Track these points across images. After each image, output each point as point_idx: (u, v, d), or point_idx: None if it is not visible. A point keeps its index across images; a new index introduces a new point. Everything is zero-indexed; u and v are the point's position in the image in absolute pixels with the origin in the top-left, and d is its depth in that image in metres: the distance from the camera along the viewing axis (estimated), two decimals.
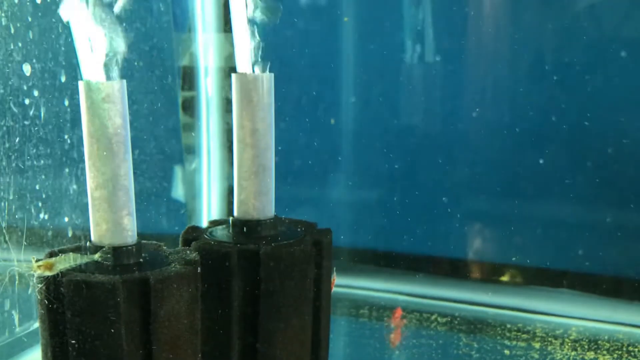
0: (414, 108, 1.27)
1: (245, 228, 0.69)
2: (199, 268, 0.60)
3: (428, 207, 1.26)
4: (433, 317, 1.10)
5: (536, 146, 1.19)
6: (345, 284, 1.21)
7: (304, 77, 1.30)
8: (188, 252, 0.62)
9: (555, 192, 1.19)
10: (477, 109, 1.24)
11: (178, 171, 1.19)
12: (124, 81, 0.57)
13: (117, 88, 0.56)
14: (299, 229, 0.73)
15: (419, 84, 1.26)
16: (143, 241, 0.61)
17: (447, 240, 1.26)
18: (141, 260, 0.59)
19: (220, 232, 0.71)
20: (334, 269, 0.74)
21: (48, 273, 0.54)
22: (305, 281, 0.67)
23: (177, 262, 0.59)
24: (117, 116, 0.56)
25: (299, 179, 1.31)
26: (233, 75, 0.68)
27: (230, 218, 0.70)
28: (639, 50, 1.11)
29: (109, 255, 0.57)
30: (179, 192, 1.18)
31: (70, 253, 0.57)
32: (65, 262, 0.55)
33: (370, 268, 1.27)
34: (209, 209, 1.25)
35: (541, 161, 1.19)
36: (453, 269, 1.24)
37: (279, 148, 1.37)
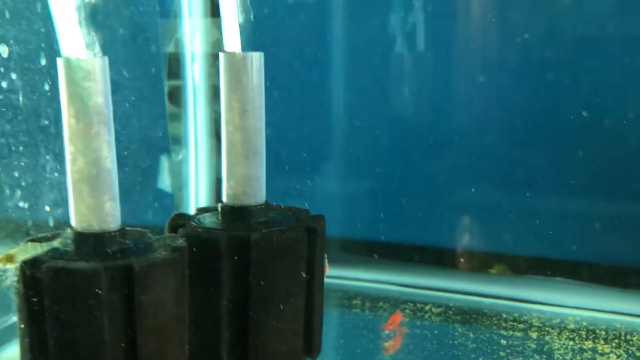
0: (406, 98, 1.25)
1: (235, 214, 0.66)
2: (185, 255, 0.57)
3: (422, 197, 1.24)
4: (427, 308, 1.08)
5: (529, 137, 1.18)
6: (337, 275, 1.19)
7: (293, 67, 1.27)
8: (174, 238, 0.59)
9: (550, 181, 1.17)
10: (469, 100, 1.22)
11: (164, 161, 1.16)
12: (106, 58, 0.54)
13: (98, 65, 0.53)
14: (291, 216, 0.70)
15: (410, 74, 1.24)
16: (127, 227, 0.58)
17: (441, 230, 1.24)
18: (125, 246, 0.56)
19: (209, 219, 0.68)
20: (326, 256, 0.72)
21: (10, 265, 0.51)
22: (297, 268, 0.65)
23: (163, 248, 0.56)
24: (99, 95, 0.53)
25: (290, 169, 1.29)
26: (221, 54, 0.65)
27: (220, 204, 0.67)
28: (627, 40, 1.10)
29: (69, 241, 0.54)
30: (165, 182, 1.15)
31: (29, 242, 0.54)
32: (24, 252, 0.52)
33: (363, 259, 1.24)
34: (196, 200, 1.22)
35: (534, 151, 1.18)
36: (447, 259, 1.22)
37: (269, 138, 1.37)
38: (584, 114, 1.13)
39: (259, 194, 0.67)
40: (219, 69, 0.66)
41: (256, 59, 0.65)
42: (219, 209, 0.67)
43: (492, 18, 1.18)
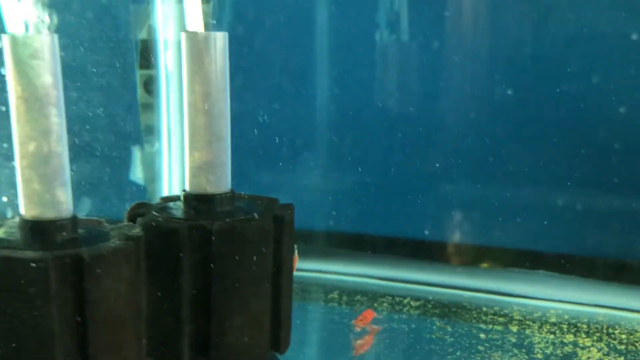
0: (391, 90, 1.23)
1: (198, 203, 0.63)
2: (142, 244, 0.54)
3: (401, 190, 1.22)
4: (406, 301, 1.05)
5: (513, 130, 1.16)
6: (315, 269, 1.16)
7: (277, 60, 1.25)
8: (131, 227, 0.56)
9: (531, 175, 1.16)
10: (456, 92, 1.20)
11: (137, 152, 1.13)
12: (56, 35, 0.50)
13: (47, 43, 0.50)
14: (258, 205, 0.67)
15: (396, 66, 1.22)
16: (81, 217, 0.55)
17: (422, 222, 1.21)
18: (77, 235, 0.53)
19: (171, 208, 0.65)
20: (296, 247, 0.69)
21: None
22: (263, 260, 0.62)
23: (117, 238, 0.53)
24: (48, 74, 0.50)
25: (274, 163, 1.26)
26: (182, 34, 0.62)
27: (182, 192, 0.64)
28: (617, 34, 1.09)
29: (16, 230, 0.51)
30: (137, 174, 1.11)
31: None
32: None
33: (342, 252, 1.22)
34: (170, 192, 1.19)
35: (518, 145, 1.16)
36: (428, 252, 1.20)
37: (254, 132, 1.35)
38: (570, 107, 1.12)
39: (223, 182, 0.64)
40: (181, 49, 0.63)
41: (220, 39, 0.62)
42: (182, 197, 0.64)
43: (482, 9, 1.17)
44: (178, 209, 0.64)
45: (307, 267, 1.17)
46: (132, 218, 0.62)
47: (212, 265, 0.59)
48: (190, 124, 0.63)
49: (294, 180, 1.26)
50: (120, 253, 0.51)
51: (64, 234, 0.52)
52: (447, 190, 1.20)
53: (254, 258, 0.61)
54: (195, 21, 0.63)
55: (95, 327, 0.50)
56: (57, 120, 0.51)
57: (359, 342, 0.89)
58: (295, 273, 1.09)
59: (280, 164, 1.27)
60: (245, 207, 0.66)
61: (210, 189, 0.63)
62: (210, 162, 0.63)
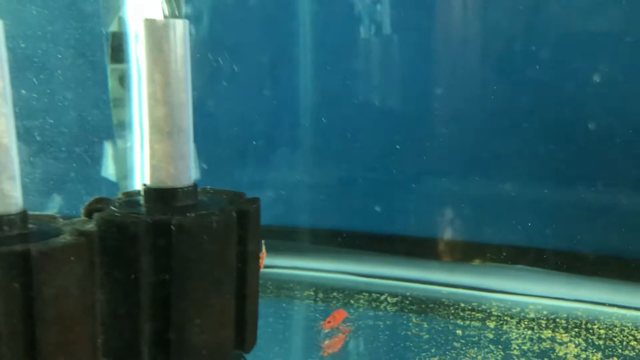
0: (376, 85, 1.22)
1: (158, 197, 0.61)
2: (95, 240, 0.52)
3: (382, 186, 1.20)
4: (383, 297, 1.03)
5: (496, 126, 1.15)
6: (292, 265, 1.15)
7: (260, 52, 1.23)
8: (85, 222, 0.54)
9: (512, 170, 1.14)
10: (441, 87, 1.19)
11: (108, 148, 1.10)
12: (0, 21, 0.48)
13: None
14: (223, 199, 0.65)
15: (379, 59, 1.20)
16: (32, 212, 0.53)
17: (400, 219, 1.20)
18: (26, 231, 0.50)
19: (131, 203, 0.63)
20: (264, 243, 0.67)
21: None
22: (226, 256, 0.59)
23: (69, 233, 0.51)
24: None
25: (257, 159, 1.24)
26: (141, 22, 0.60)
27: (142, 186, 0.62)
28: (603, 32, 1.07)
29: None
30: (109, 170, 1.09)
31: None
32: None
33: (319, 248, 1.20)
34: None
35: (498, 140, 1.15)
36: (406, 248, 1.18)
37: (234, 128, 1.33)
38: (557, 106, 1.11)
39: (184, 175, 0.61)
40: (140, 37, 0.60)
41: (180, 26, 0.59)
42: (142, 191, 0.62)
43: (469, 8, 1.15)
44: (138, 204, 0.62)
45: (283, 264, 1.15)
46: (89, 213, 0.59)
47: (171, 262, 0.57)
48: (150, 115, 0.61)
49: (275, 177, 1.24)
50: (71, 249, 0.49)
51: (12, 229, 0.49)
52: (427, 186, 1.18)
53: (217, 254, 0.58)
54: (154, 7, 0.60)
55: (44, 326, 0.47)
56: (3, 110, 0.48)
57: (327, 342, 0.86)
58: (270, 270, 1.08)
59: (261, 160, 1.25)
60: (208, 201, 0.64)
61: (171, 183, 0.61)
62: (171, 155, 0.61)
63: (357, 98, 1.22)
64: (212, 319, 0.59)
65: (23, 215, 0.50)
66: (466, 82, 1.18)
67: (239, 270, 0.62)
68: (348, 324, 0.92)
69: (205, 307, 0.58)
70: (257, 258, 0.65)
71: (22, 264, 0.47)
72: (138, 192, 0.66)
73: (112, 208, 0.60)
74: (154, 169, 0.61)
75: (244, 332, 0.63)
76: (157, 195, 0.61)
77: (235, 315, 0.62)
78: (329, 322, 0.89)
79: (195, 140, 1.28)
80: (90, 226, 0.53)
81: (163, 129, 0.61)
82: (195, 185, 0.63)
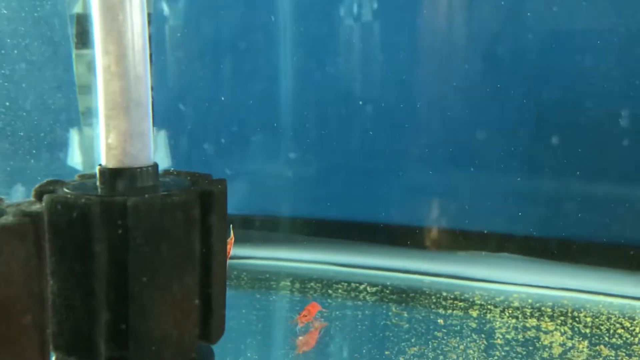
0: (357, 74, 1.18)
1: (115, 178, 0.56)
2: (42, 222, 0.47)
3: (360, 174, 1.17)
4: (362, 287, 1.00)
5: (475, 114, 1.12)
6: (268, 256, 1.11)
7: (238, 39, 1.19)
8: (32, 204, 0.50)
9: (494, 158, 1.11)
10: (420, 76, 1.16)
11: (74, 136, 1.05)
12: None
13: None
14: (187, 180, 0.61)
15: (359, 48, 1.17)
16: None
17: (380, 207, 1.16)
18: None
19: (86, 185, 0.58)
20: (232, 227, 0.63)
21: None
22: (188, 240, 0.55)
23: (12, 214, 0.46)
24: None
25: (235, 147, 1.20)
26: None
27: (97, 167, 0.58)
28: (590, 23, 1.05)
29: None
30: (75, 159, 1.04)
31: None
32: None
33: (297, 238, 1.16)
34: None
35: (478, 128, 1.12)
36: (386, 237, 1.14)
37: (212, 117, 1.29)
38: (537, 93, 1.08)
39: (143, 154, 0.57)
40: (93, 5, 0.56)
41: None
42: (97, 172, 0.57)
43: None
44: (94, 186, 0.58)
45: (260, 255, 1.12)
46: (39, 195, 0.55)
47: (128, 246, 0.52)
48: (104, 89, 0.56)
49: (253, 166, 1.20)
50: (12, 230, 0.44)
51: None
52: (408, 174, 1.15)
53: (178, 237, 0.54)
54: None
55: None
56: None
57: (301, 339, 0.81)
58: (246, 262, 1.04)
59: (239, 148, 1.21)
60: (170, 182, 0.59)
61: (129, 162, 0.57)
62: (128, 132, 0.56)
63: (338, 86, 1.19)
64: (174, 308, 0.55)
65: None
66: (446, 73, 1.15)
67: (204, 255, 0.58)
68: (321, 319, 0.87)
69: (166, 295, 0.54)
70: (224, 243, 0.61)
71: None
72: (94, 175, 0.62)
73: (65, 190, 0.56)
74: (109, 147, 0.57)
75: (209, 322, 0.59)
76: (113, 175, 0.56)
77: (200, 304, 0.58)
78: (305, 315, 0.84)
79: (171, 128, 1.24)
80: (37, 207, 0.49)
81: (118, 105, 0.56)
82: (155, 165, 0.58)
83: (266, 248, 1.15)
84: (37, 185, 0.57)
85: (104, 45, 0.56)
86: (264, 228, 1.19)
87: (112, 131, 0.56)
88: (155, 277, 0.54)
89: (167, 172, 0.64)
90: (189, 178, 0.62)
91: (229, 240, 0.64)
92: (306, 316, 0.84)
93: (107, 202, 0.53)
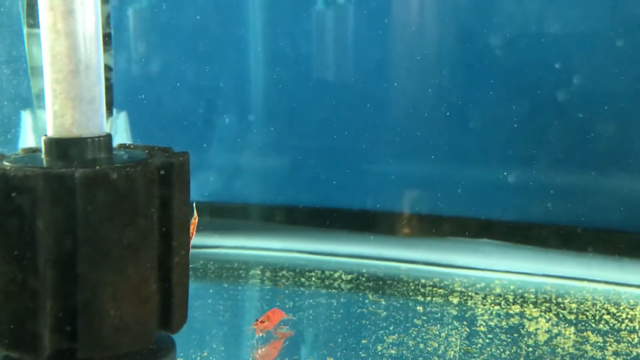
0: (330, 58, 1.13)
1: (62, 149, 0.51)
2: None
3: (336, 160, 1.12)
4: (337, 275, 0.95)
5: (457, 101, 1.08)
6: (236, 245, 1.05)
7: (206, 20, 1.13)
8: None
9: (474, 143, 1.08)
10: (398, 63, 1.12)
11: (27, 118, 0.98)
12: None
13: None
14: (145, 154, 0.55)
15: (337, 32, 1.12)
16: None
17: (356, 193, 1.12)
18: None
19: (30, 158, 0.52)
20: (195, 206, 0.58)
21: None
22: (145, 217, 0.49)
23: None
24: None
25: (202, 132, 1.15)
26: None
27: (42, 137, 0.52)
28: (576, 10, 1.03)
29: None
30: (27, 142, 0.97)
31: None
32: None
33: (267, 225, 1.11)
34: None
35: (459, 115, 1.08)
36: (362, 223, 1.10)
37: (180, 100, 1.23)
38: (515, 79, 1.05)
39: (94, 122, 0.51)
40: None
41: None
42: (42, 143, 0.51)
43: None
44: (37, 159, 0.52)
45: (228, 244, 1.06)
46: None
47: (76, 224, 0.46)
48: (50, 50, 0.50)
49: (221, 151, 1.15)
50: None
51: None
52: (382, 159, 1.10)
53: (133, 214, 0.48)
54: None
55: None
56: None
57: (260, 352, 0.69)
58: (213, 251, 0.98)
59: (206, 133, 1.16)
60: (125, 155, 0.54)
61: (78, 131, 0.51)
62: (77, 97, 0.50)
63: (310, 71, 1.14)
64: (129, 293, 0.49)
65: None
66: (427, 61, 1.11)
67: (164, 235, 0.52)
68: (285, 327, 0.75)
69: (119, 279, 0.48)
70: (187, 222, 0.56)
71: None
72: (40, 149, 0.56)
73: (5, 163, 0.50)
74: (55, 115, 0.51)
75: (169, 309, 0.53)
76: (60, 146, 0.50)
77: (159, 288, 0.52)
78: (262, 321, 0.72)
79: (135, 111, 1.18)
80: None
81: (66, 67, 0.50)
82: (108, 136, 0.53)
83: (234, 236, 1.10)
84: None
85: (48, 0, 0.50)
86: (232, 216, 1.14)
87: (59, 97, 0.51)
88: (107, 259, 0.48)
89: (122, 145, 0.58)
90: (146, 151, 0.57)
91: (192, 220, 0.58)
92: (264, 322, 0.72)
93: (52, 174, 0.47)
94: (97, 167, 0.47)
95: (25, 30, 0.99)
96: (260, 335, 0.71)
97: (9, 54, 0.97)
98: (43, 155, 0.51)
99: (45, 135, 0.51)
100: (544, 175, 1.05)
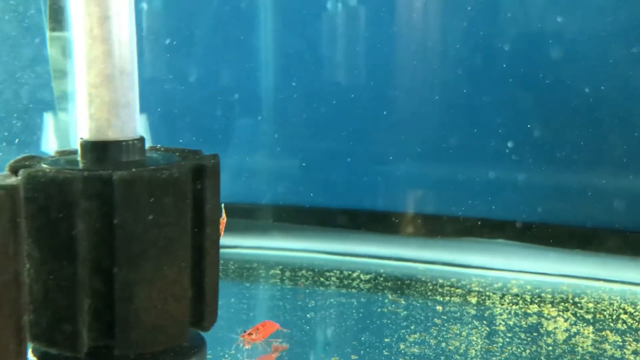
0: (340, 62, 1.15)
1: (98, 152, 0.52)
2: (18, 196, 0.43)
3: (352, 161, 1.13)
4: (355, 275, 0.96)
5: (467, 102, 1.09)
6: (256, 245, 1.06)
7: (220, 21, 1.15)
8: (5, 177, 0.45)
9: (490, 146, 1.09)
10: (409, 65, 1.13)
11: (48, 121, 1.00)
12: None
13: None
14: (176, 156, 0.56)
15: (347, 35, 1.13)
16: None
17: (373, 193, 1.13)
18: None
19: (66, 160, 0.53)
20: (223, 206, 0.59)
21: None
22: (179, 217, 0.50)
23: None
24: None
25: (217, 134, 1.16)
26: None
27: (79, 140, 0.53)
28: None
29: None
30: (50, 144, 0.99)
31: None
32: None
33: (285, 226, 1.12)
34: None
35: (473, 115, 1.09)
36: (378, 224, 1.11)
37: (194, 102, 1.24)
38: (522, 81, 1.06)
39: (129, 125, 0.52)
40: None
41: None
42: (78, 145, 0.53)
43: None
44: (74, 160, 0.53)
45: (247, 244, 1.07)
46: (14, 171, 0.50)
47: (114, 224, 0.48)
48: (86, 55, 0.52)
49: (237, 152, 1.16)
50: None
51: None
52: (400, 159, 1.11)
53: (168, 215, 0.50)
54: None
55: None
56: None
57: None
58: (232, 251, 0.99)
59: (221, 134, 1.17)
60: (158, 157, 0.55)
61: (113, 135, 0.52)
62: (113, 102, 0.52)
63: (322, 73, 1.15)
64: (165, 292, 0.50)
65: None
66: (435, 62, 1.12)
67: (196, 235, 0.53)
68: (280, 341, 0.73)
69: (155, 277, 0.49)
70: (217, 222, 0.57)
71: None
72: (75, 151, 0.57)
73: (43, 165, 0.51)
74: (92, 118, 0.52)
75: (202, 308, 0.54)
76: (96, 148, 0.52)
77: (192, 287, 0.54)
78: (250, 334, 0.68)
79: (150, 113, 1.19)
80: (12, 180, 0.44)
81: (102, 72, 0.51)
82: (142, 139, 0.54)
83: (252, 237, 1.11)
84: (11, 161, 0.52)
85: (85, 6, 0.51)
86: (250, 216, 1.15)
87: (95, 101, 0.52)
88: (144, 259, 0.49)
89: (153, 147, 0.59)
90: (177, 154, 0.58)
91: (221, 219, 0.60)
92: (252, 334, 0.68)
93: (90, 176, 0.48)
94: (134, 170, 0.49)
95: (48, 34, 1.01)
96: (247, 347, 0.69)
97: (33, 57, 0.99)
98: (79, 158, 0.52)
99: (82, 138, 0.52)
100: (561, 175, 1.06)
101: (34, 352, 0.51)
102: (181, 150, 0.59)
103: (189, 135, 1.19)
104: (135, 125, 0.54)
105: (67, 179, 0.47)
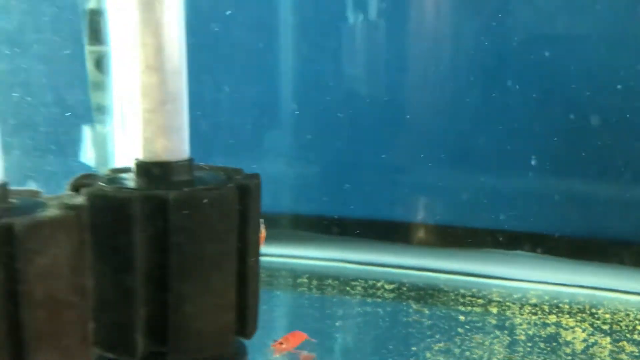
0: (358, 71, 1.18)
1: (152, 172, 0.56)
2: (85, 215, 0.47)
3: (373, 172, 1.17)
4: (379, 284, 0.99)
5: (484, 112, 1.12)
6: (283, 253, 1.10)
7: (241, 36, 1.18)
8: (72, 197, 0.49)
9: (508, 157, 1.12)
10: (424, 75, 1.16)
11: (87, 132, 1.04)
12: None
13: None
14: (221, 175, 0.61)
15: (363, 47, 1.17)
16: (14, 188, 0.47)
17: (394, 204, 1.16)
18: (8, 205, 0.45)
19: (122, 179, 0.58)
20: (263, 221, 0.63)
21: None
22: (226, 233, 0.55)
23: (56, 207, 0.46)
24: None
25: (237, 143, 1.20)
26: None
27: (134, 161, 0.57)
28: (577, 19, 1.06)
29: None
30: (88, 155, 1.03)
31: None
32: None
33: (311, 235, 1.16)
34: None
35: (491, 127, 1.12)
36: (401, 234, 1.14)
37: (215, 115, 1.28)
38: (536, 91, 1.09)
39: (180, 148, 0.57)
40: None
41: None
42: (133, 165, 0.57)
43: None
44: (129, 180, 0.57)
45: (274, 252, 1.11)
46: (75, 189, 0.55)
47: (168, 240, 0.52)
48: (142, 83, 0.56)
49: (258, 161, 1.20)
50: (59, 223, 0.44)
51: None
52: (422, 170, 1.15)
53: (217, 231, 0.54)
54: None
55: (29, 308, 0.42)
56: None
57: None
58: (261, 258, 1.02)
59: (243, 145, 1.21)
60: (205, 177, 0.59)
61: (166, 156, 0.56)
62: (166, 126, 0.56)
63: (342, 84, 1.19)
64: (213, 302, 0.54)
65: (3, 189, 0.45)
66: (449, 71, 1.15)
67: (239, 249, 0.58)
68: (306, 351, 0.77)
69: (205, 289, 0.54)
70: (258, 237, 0.61)
71: (4, 239, 0.42)
72: (127, 169, 0.62)
73: (101, 184, 0.55)
74: (147, 141, 0.56)
75: (245, 317, 0.58)
76: (150, 169, 0.56)
77: (237, 298, 0.58)
78: (281, 343, 0.74)
79: None
80: (80, 200, 0.48)
81: (156, 98, 0.56)
82: (191, 160, 0.58)
83: (278, 246, 1.15)
84: (72, 179, 0.56)
85: (141, 37, 0.55)
86: (276, 226, 1.19)
87: (150, 125, 0.56)
88: (195, 272, 0.54)
89: (198, 166, 0.63)
90: (222, 172, 0.62)
91: (260, 233, 0.64)
92: (283, 344, 0.73)
93: (148, 195, 0.52)
94: (186, 189, 0.53)
95: (86, 48, 1.05)
96: (278, 356, 0.74)
97: (72, 70, 1.03)
98: (134, 177, 0.56)
99: (137, 158, 0.57)
100: (578, 187, 1.09)
101: (94, 357, 0.55)
102: (224, 168, 0.64)
103: (212, 147, 1.23)
104: (185, 147, 0.58)
105: (127, 198, 0.51)
